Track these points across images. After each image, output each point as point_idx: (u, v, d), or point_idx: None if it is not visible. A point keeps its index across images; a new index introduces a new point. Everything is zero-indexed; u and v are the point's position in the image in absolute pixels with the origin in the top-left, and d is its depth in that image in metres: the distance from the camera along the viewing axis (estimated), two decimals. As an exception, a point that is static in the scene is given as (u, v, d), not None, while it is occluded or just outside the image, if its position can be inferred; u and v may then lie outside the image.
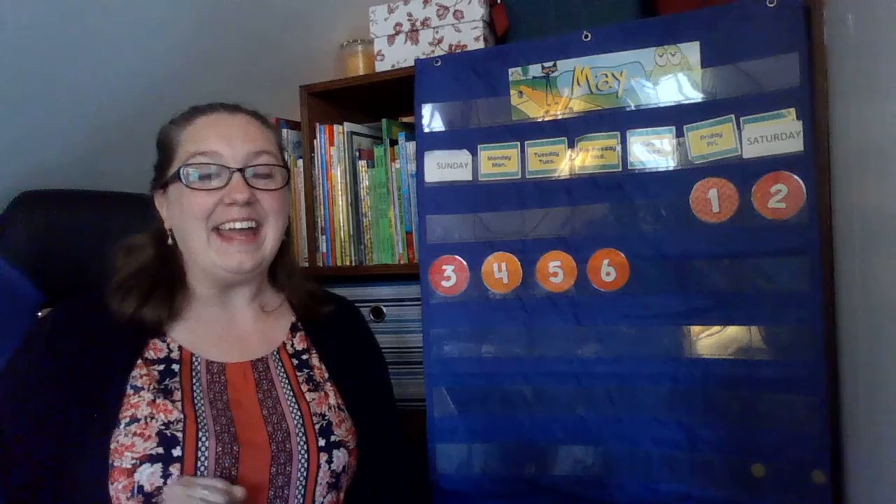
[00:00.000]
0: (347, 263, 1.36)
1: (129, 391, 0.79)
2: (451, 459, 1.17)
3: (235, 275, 0.88)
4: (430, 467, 1.18)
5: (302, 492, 0.82)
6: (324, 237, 1.38)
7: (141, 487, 0.74)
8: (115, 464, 0.75)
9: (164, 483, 0.74)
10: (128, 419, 0.77)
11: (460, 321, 1.19)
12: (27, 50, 1.06)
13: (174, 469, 0.75)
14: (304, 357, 0.94)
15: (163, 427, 0.77)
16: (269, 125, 0.95)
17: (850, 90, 0.93)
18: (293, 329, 0.96)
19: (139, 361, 0.82)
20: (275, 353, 0.92)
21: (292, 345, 0.94)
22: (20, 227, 1.06)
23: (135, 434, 0.76)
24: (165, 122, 0.92)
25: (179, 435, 0.77)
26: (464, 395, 1.18)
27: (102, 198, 1.18)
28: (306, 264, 1.39)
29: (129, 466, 0.74)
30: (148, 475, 0.74)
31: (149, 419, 0.77)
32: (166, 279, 0.88)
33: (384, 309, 1.34)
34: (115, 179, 1.20)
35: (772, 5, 1.01)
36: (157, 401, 0.79)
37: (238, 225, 0.85)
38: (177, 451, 0.76)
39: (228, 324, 0.92)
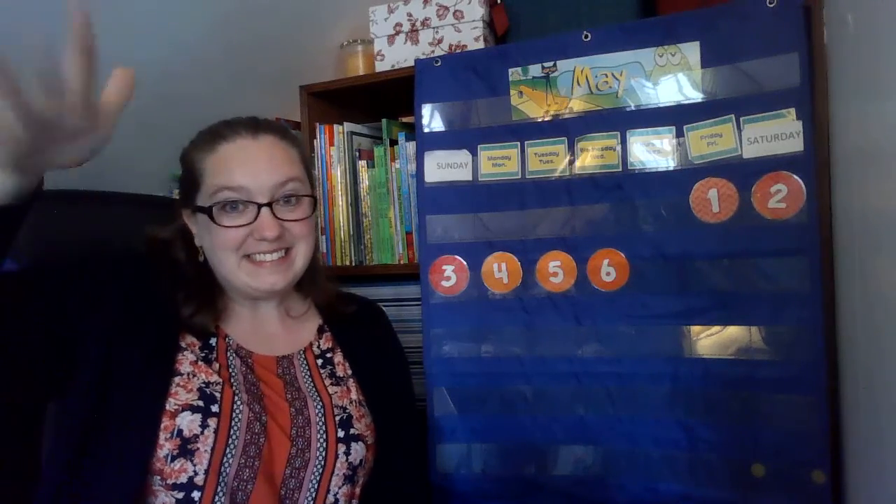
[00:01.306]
0: (347, 263, 1.36)
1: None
2: (451, 459, 1.18)
3: (268, 294, 0.91)
4: (430, 467, 1.18)
5: (318, 479, 0.84)
6: (324, 237, 1.37)
7: (181, 431, 0.77)
8: None
9: (202, 432, 0.77)
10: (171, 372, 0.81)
11: (460, 321, 1.19)
12: (27, 48, 1.06)
13: (211, 422, 0.78)
14: (329, 355, 0.97)
15: (203, 385, 0.81)
16: (293, 141, 0.93)
17: (850, 90, 0.93)
18: (320, 331, 0.99)
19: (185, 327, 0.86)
20: (300, 352, 0.94)
21: (318, 346, 0.97)
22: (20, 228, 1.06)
23: (178, 385, 0.80)
24: (185, 141, 0.91)
25: (217, 395, 0.81)
26: (464, 395, 1.18)
27: (102, 198, 1.18)
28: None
29: (171, 410, 0.78)
30: (188, 421, 0.78)
31: (191, 376, 0.82)
32: (212, 288, 0.91)
33: (384, 309, 1.34)
34: (115, 179, 1.20)
35: (772, 5, 1.01)
36: (199, 363, 0.83)
37: (268, 257, 0.87)
38: (214, 408, 0.80)
39: (257, 325, 0.94)
